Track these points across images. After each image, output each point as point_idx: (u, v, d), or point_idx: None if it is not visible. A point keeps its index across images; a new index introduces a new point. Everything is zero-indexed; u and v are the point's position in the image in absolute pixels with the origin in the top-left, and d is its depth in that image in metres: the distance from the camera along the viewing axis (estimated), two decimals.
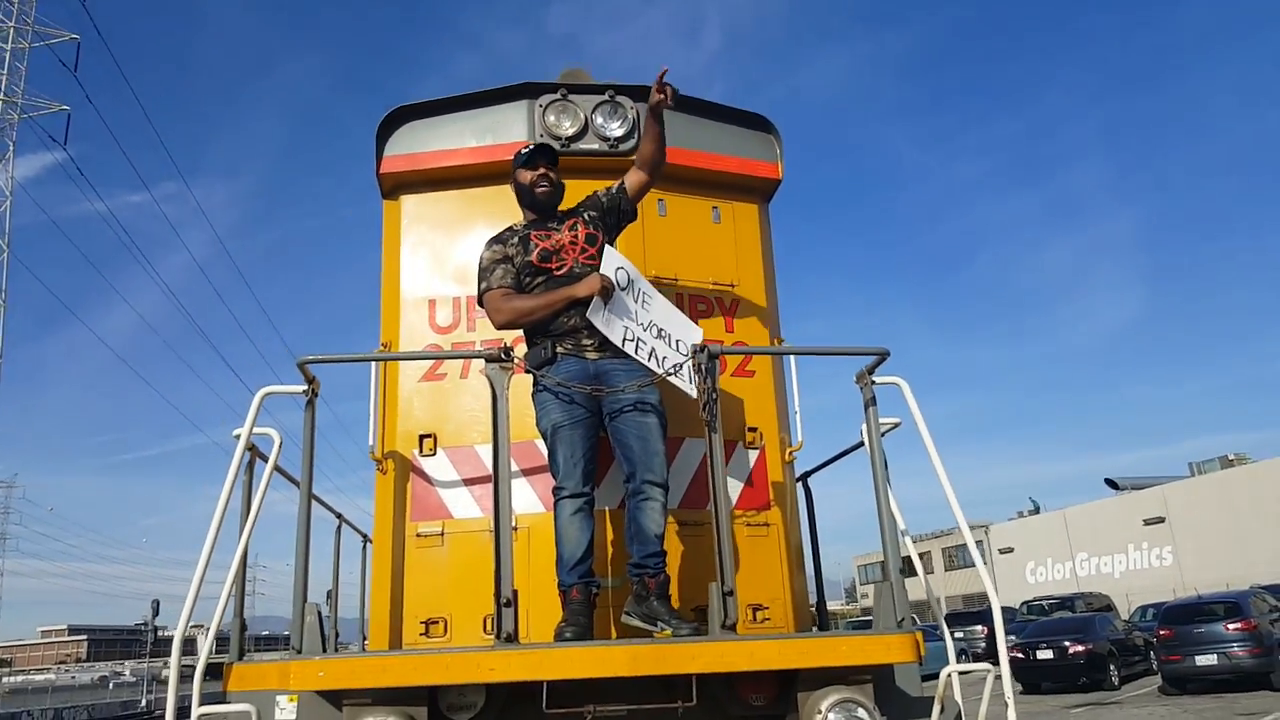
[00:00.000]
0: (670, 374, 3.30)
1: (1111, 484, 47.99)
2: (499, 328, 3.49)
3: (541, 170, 3.50)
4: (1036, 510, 52.83)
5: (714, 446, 3.10)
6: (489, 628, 3.20)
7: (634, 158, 3.64)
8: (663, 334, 3.36)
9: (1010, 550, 49.89)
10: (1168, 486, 41.48)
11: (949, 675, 3.10)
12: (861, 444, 3.76)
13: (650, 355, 3.33)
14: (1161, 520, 40.38)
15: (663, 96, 3.33)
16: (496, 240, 3.54)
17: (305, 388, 3.26)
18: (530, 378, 3.58)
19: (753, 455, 3.85)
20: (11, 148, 34.41)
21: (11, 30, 35.52)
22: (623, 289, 3.32)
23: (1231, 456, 43.40)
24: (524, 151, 3.54)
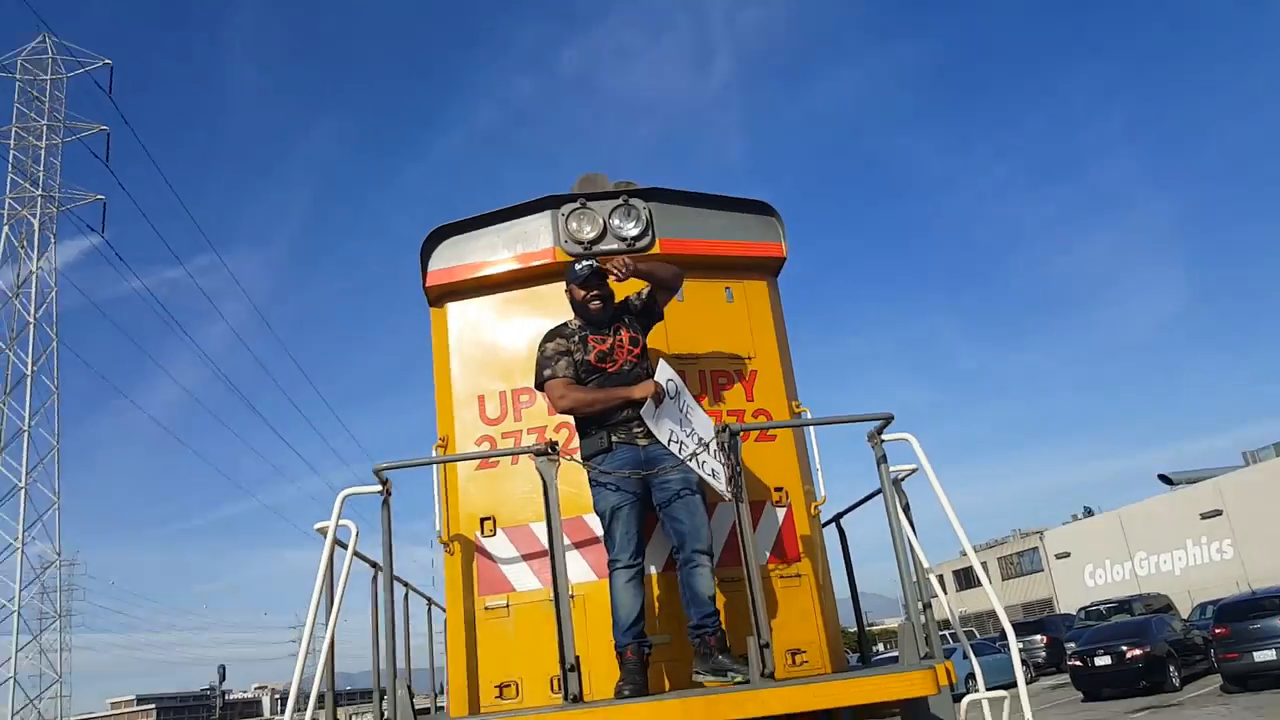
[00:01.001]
0: (702, 468, 3.72)
1: (1165, 479, 47.01)
2: (559, 412, 3.97)
3: (594, 292, 3.95)
4: (1090, 514, 51.89)
5: (741, 515, 3.51)
6: (555, 687, 3.62)
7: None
8: (702, 442, 3.74)
9: (1067, 555, 48.96)
10: (1223, 478, 40.56)
11: (968, 703, 3.45)
12: (880, 491, 4.15)
13: (691, 457, 3.73)
14: (1219, 513, 39.48)
15: (615, 271, 3.86)
16: (557, 334, 4.00)
17: (380, 488, 3.74)
18: (574, 463, 4.04)
19: (781, 513, 4.25)
20: (53, 241, 35.95)
21: (44, 128, 37.24)
22: (671, 398, 3.77)
23: None
24: (578, 272, 3.92)
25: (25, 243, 35.70)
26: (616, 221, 4.45)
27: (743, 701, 3.18)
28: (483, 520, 4.18)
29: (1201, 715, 12.90)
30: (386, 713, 3.64)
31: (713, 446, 3.70)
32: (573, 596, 3.78)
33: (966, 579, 54.59)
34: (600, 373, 3.91)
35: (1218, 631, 15.26)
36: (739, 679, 3.42)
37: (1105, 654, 17.00)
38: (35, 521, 31.85)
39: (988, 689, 3.71)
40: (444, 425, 4.43)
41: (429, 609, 6.03)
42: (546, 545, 3.53)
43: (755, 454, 4.28)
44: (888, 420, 3.73)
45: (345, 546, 4.03)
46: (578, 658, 3.33)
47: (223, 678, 36.91)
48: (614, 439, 3.82)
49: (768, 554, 4.12)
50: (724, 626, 3.71)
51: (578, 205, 4.45)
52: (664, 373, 3.80)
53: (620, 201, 4.46)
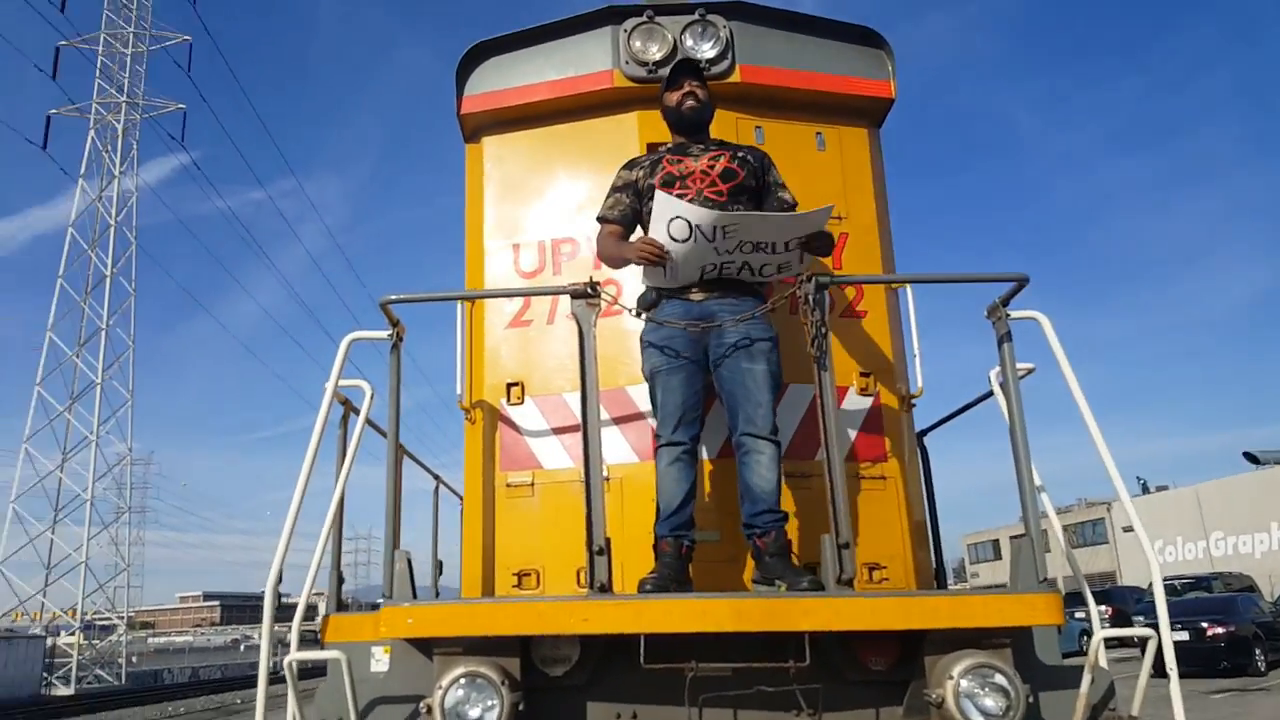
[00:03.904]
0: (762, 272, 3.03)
1: (1251, 457, 44.40)
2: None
3: (687, 88, 3.29)
4: (1146, 490, 49.51)
5: (824, 385, 2.79)
6: (582, 580, 3.02)
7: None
8: (761, 246, 2.99)
9: (1132, 529, 46.97)
10: None
11: (1100, 641, 2.71)
12: (990, 394, 3.37)
13: (743, 268, 3.04)
14: None
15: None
16: (630, 163, 3.38)
17: (390, 331, 3.14)
18: (620, 325, 3.40)
19: (866, 402, 3.51)
20: (135, 146, 36.49)
21: (131, 35, 37.61)
22: (681, 242, 2.96)
23: None
24: (670, 70, 3.37)
25: (109, 148, 36.38)
26: (690, 41, 3.67)
27: (811, 609, 2.51)
28: (509, 386, 3.55)
29: None
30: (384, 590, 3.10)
31: (776, 252, 3.00)
32: (608, 478, 3.15)
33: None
34: None
35: None
36: (786, 587, 2.75)
37: (1183, 629, 15.88)
38: (110, 418, 33.02)
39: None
40: (473, 276, 3.79)
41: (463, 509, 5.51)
42: (580, 418, 2.88)
43: (841, 331, 3.53)
44: (1022, 283, 2.91)
45: (358, 412, 3.50)
46: (608, 540, 2.70)
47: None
48: (662, 293, 3.17)
49: (847, 448, 3.40)
50: (789, 532, 3.03)
51: (643, 19, 3.67)
52: (665, 211, 2.94)
53: (696, 17, 3.67)
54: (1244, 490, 40.87)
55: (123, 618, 34.54)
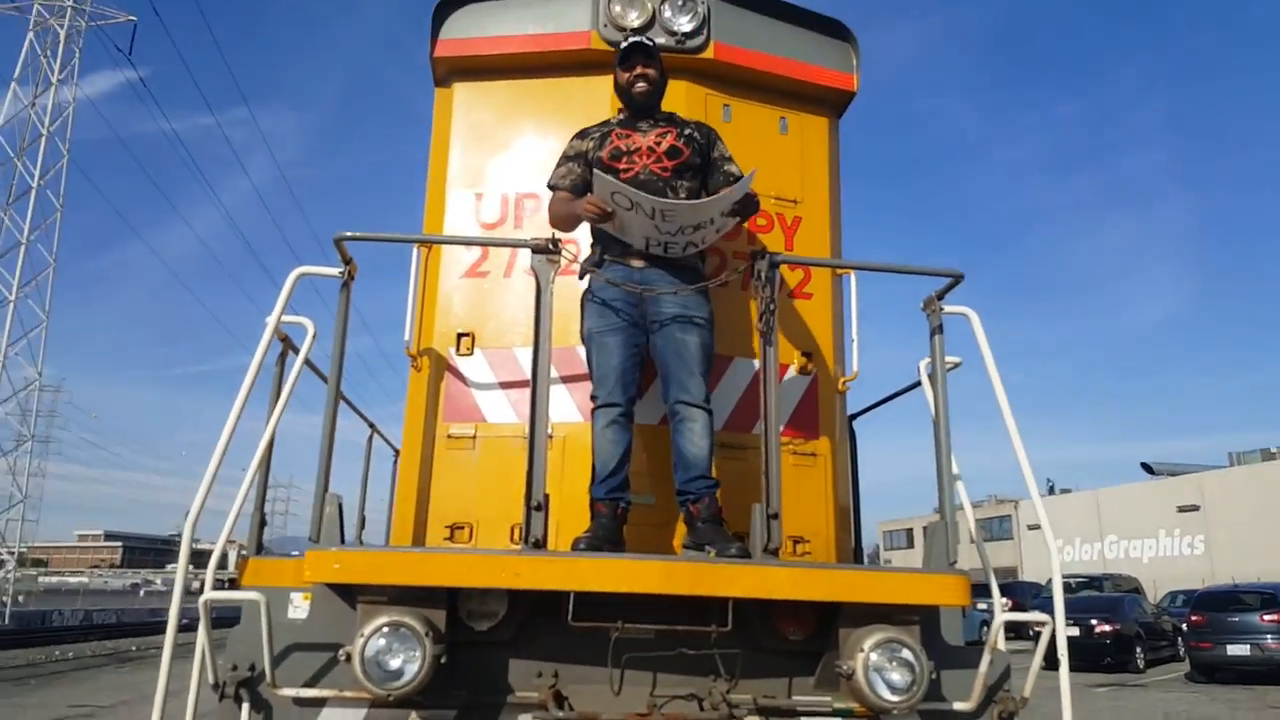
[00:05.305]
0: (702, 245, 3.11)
1: (1147, 468, 47.11)
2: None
3: (639, 70, 3.32)
4: (1052, 491, 52.06)
5: (768, 360, 2.89)
6: (516, 537, 3.07)
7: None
8: (701, 226, 3.08)
9: (1038, 527, 49.32)
10: (1205, 475, 40.57)
11: (1000, 625, 2.89)
12: (917, 384, 3.52)
13: (687, 246, 3.13)
14: (1196, 508, 39.56)
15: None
16: (581, 134, 3.41)
17: (342, 269, 3.09)
18: (576, 285, 3.41)
19: (804, 380, 3.63)
20: (78, 54, 34.07)
21: None
22: (627, 209, 3.03)
23: (1274, 449, 42.15)
24: (621, 50, 3.38)
25: (49, 54, 34.04)
26: (669, 13, 3.68)
27: (738, 576, 2.61)
28: (460, 336, 3.55)
29: (1170, 699, 12.72)
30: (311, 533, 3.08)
31: (714, 224, 3.09)
32: (551, 435, 3.20)
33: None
34: (614, 174, 3.22)
35: (1194, 619, 15.07)
36: (715, 553, 2.84)
37: (1074, 625, 16.86)
38: (21, 339, 31.05)
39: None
40: (431, 221, 3.76)
41: (395, 461, 5.46)
42: (530, 374, 2.91)
43: (787, 310, 3.63)
44: (957, 280, 3.05)
45: (297, 350, 3.43)
46: (546, 496, 2.75)
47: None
48: (605, 256, 3.22)
49: (783, 423, 3.51)
50: (721, 500, 3.13)
51: None
52: (603, 188, 3.06)
53: None
54: (1138, 498, 43.38)
55: (13, 553, 32.72)
